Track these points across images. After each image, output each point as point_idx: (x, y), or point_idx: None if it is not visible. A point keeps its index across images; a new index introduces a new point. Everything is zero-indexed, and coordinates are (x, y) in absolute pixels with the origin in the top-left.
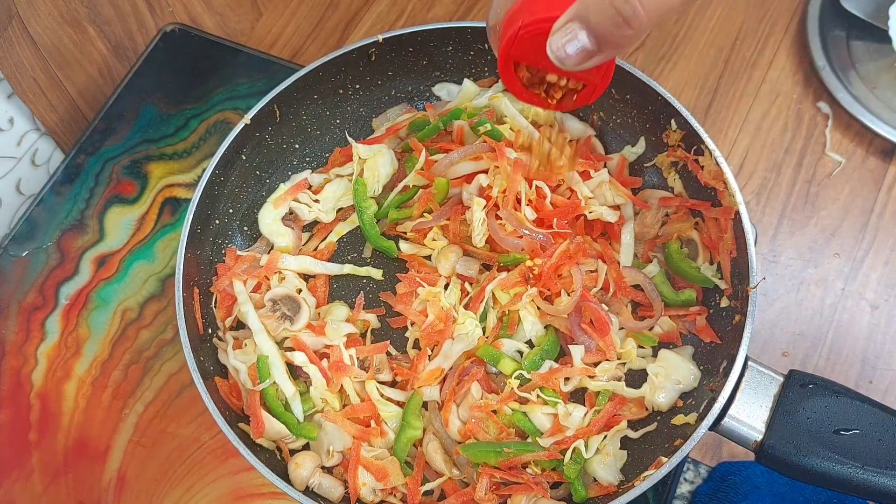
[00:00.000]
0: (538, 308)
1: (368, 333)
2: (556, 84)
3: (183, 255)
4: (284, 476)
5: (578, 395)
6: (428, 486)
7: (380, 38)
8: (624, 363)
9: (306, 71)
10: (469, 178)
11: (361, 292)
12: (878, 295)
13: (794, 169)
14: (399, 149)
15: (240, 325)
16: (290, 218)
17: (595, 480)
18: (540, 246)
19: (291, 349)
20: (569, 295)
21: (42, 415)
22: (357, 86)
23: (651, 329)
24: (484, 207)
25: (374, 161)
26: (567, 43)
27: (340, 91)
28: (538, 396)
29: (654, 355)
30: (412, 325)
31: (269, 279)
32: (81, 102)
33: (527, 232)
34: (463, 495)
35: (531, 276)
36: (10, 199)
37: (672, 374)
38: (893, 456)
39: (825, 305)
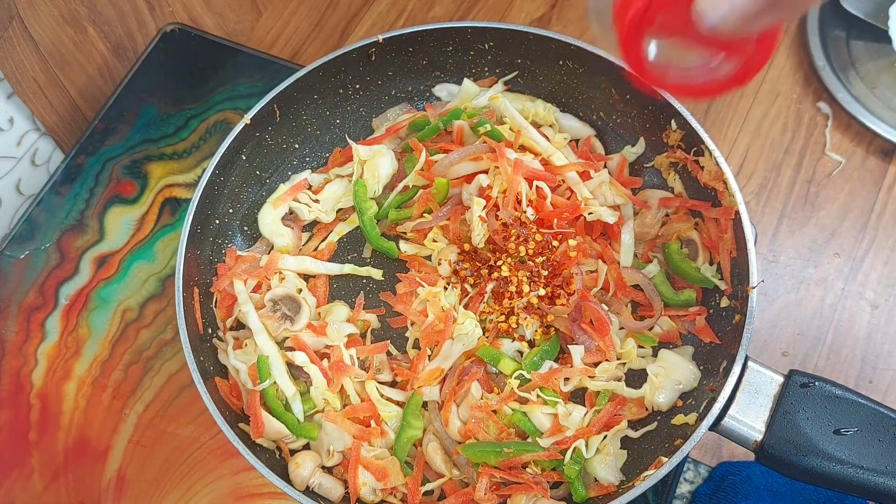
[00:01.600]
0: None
1: (368, 333)
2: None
3: (183, 255)
4: (284, 476)
5: (578, 395)
6: (428, 487)
7: (380, 38)
8: (624, 363)
9: (306, 71)
10: (469, 178)
11: (361, 292)
12: (878, 295)
13: (794, 169)
14: (399, 149)
15: (240, 325)
16: (290, 218)
17: (595, 480)
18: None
19: (292, 349)
20: (569, 295)
21: (42, 415)
22: (357, 86)
23: (651, 329)
24: (484, 208)
25: (374, 162)
26: (724, 1)
27: (340, 91)
28: (538, 396)
29: (654, 355)
30: (412, 325)
31: (269, 279)
32: (81, 102)
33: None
34: (463, 495)
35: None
36: (10, 199)
37: (672, 374)
38: (893, 456)
39: (825, 305)
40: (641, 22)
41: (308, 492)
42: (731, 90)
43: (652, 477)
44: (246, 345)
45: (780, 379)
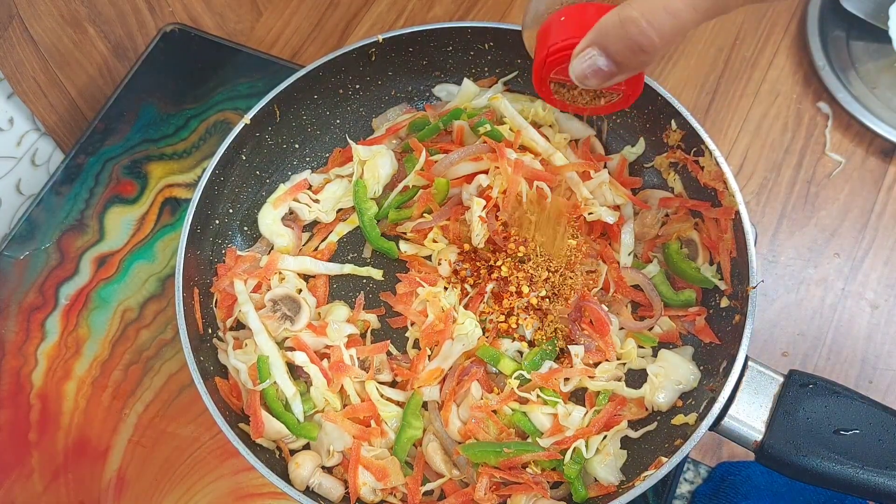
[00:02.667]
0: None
1: (368, 333)
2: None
3: (183, 255)
4: (284, 476)
5: (578, 395)
6: (428, 487)
7: (380, 38)
8: (624, 363)
9: (306, 71)
10: (469, 178)
11: (361, 292)
12: (878, 295)
13: (794, 169)
14: (399, 149)
15: (240, 325)
16: (290, 218)
17: (595, 480)
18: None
19: (292, 349)
20: (568, 296)
21: (42, 415)
22: (357, 86)
23: (651, 329)
24: (484, 208)
25: (374, 162)
26: (587, 67)
27: (340, 91)
28: (538, 396)
29: (654, 355)
30: (412, 325)
31: (269, 279)
32: (81, 102)
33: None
34: (463, 495)
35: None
36: (10, 199)
37: (672, 375)
38: (893, 456)
39: (825, 305)
40: (541, 76)
41: (308, 492)
42: (617, 110)
43: (652, 477)
44: (246, 345)
45: (781, 379)
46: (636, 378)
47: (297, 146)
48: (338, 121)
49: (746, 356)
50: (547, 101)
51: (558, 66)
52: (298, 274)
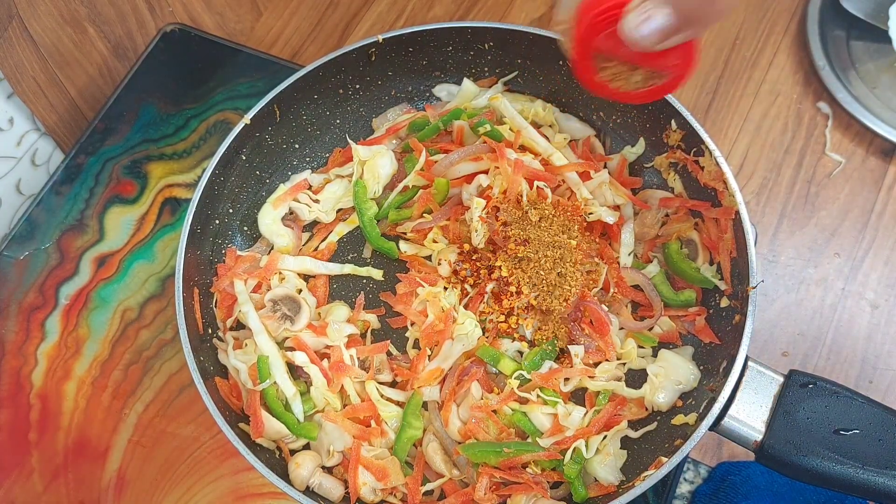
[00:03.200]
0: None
1: (368, 333)
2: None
3: (183, 255)
4: (284, 476)
5: (578, 396)
6: (428, 487)
7: (380, 38)
8: (624, 363)
9: (306, 71)
10: (469, 178)
11: (361, 292)
12: (878, 295)
13: (794, 169)
14: (399, 149)
15: (240, 325)
16: (290, 218)
17: (595, 480)
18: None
19: (292, 349)
20: (568, 296)
21: (42, 415)
22: (357, 86)
23: (651, 329)
24: (484, 208)
25: (374, 162)
26: (644, 21)
27: (340, 91)
28: (538, 396)
29: (654, 355)
30: (412, 325)
31: (269, 279)
32: (81, 102)
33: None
34: (463, 495)
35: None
36: (10, 199)
37: (672, 375)
38: (893, 456)
39: (825, 305)
40: (590, 33)
41: (308, 492)
42: (664, 95)
43: (652, 477)
44: (246, 345)
45: (781, 379)
46: (636, 378)
47: (297, 146)
48: (338, 121)
49: (746, 356)
50: (585, 82)
51: (608, 27)
52: (298, 274)
